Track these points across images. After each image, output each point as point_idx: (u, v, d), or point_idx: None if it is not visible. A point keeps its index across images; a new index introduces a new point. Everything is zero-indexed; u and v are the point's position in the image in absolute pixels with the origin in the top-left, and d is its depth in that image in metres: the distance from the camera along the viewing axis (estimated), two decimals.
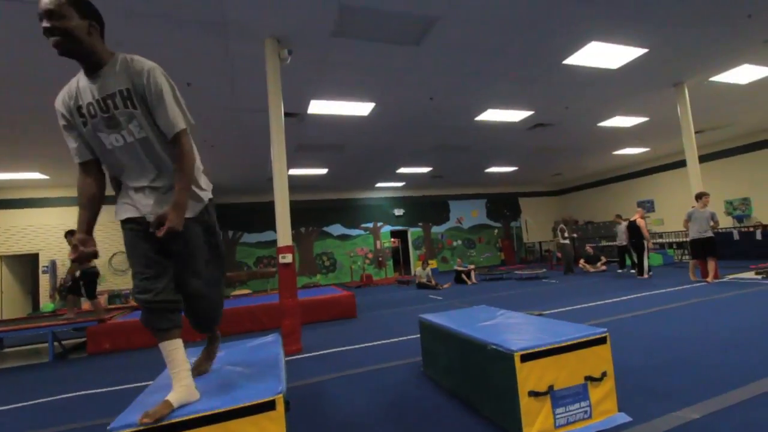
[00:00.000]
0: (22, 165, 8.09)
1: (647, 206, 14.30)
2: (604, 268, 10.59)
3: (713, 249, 6.65)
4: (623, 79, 6.39)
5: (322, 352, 4.15)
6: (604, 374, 2.10)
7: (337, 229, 14.45)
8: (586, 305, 5.68)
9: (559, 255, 12.85)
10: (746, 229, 10.27)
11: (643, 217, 8.52)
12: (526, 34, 4.79)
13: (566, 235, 10.73)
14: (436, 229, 16.07)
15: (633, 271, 9.31)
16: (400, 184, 14.31)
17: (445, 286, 10.09)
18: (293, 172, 10.52)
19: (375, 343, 4.43)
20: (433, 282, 10.27)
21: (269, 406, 1.50)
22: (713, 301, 5.11)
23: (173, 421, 1.39)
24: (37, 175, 8.74)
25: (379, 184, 14.02)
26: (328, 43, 4.52)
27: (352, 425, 2.34)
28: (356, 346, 4.33)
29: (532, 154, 11.41)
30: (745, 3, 4.53)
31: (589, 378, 2.05)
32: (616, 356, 3.15)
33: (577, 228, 15.97)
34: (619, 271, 9.80)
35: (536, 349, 1.95)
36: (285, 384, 1.63)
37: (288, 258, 3.90)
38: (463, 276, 10.64)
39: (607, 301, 5.83)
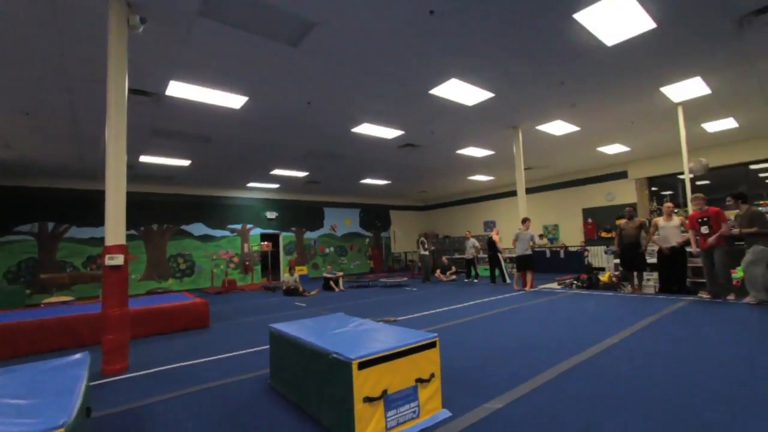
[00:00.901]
0: None
1: (491, 226, 16.85)
2: (453, 277, 12.01)
3: (531, 264, 8.21)
4: (476, 115, 7.44)
5: (156, 370, 3.62)
6: (432, 375, 2.34)
7: (198, 229, 13.02)
8: (434, 311, 6.32)
9: (420, 265, 14.10)
10: (555, 249, 13.00)
11: (497, 234, 10.08)
12: (399, 60, 5.16)
13: (426, 247, 11.85)
14: (309, 235, 15.90)
15: (476, 280, 10.84)
16: (274, 186, 13.75)
17: (313, 292, 10.02)
18: (147, 159, 9.10)
19: (224, 355, 4.09)
20: (301, 289, 10.09)
21: None
22: (527, 307, 6.27)
23: None
24: None
25: (251, 184, 13.21)
26: (193, 21, 4.07)
27: None
28: (200, 360, 3.91)
29: (402, 171, 12.31)
30: (558, 72, 5.78)
31: (419, 380, 2.26)
32: (447, 357, 3.58)
33: (436, 241, 17.79)
34: (466, 280, 11.25)
35: (373, 356, 2.06)
36: (74, 414, 1.34)
37: (117, 260, 3.28)
38: (331, 283, 10.74)
39: (450, 307, 6.60)
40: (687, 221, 6.47)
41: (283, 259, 15.04)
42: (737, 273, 6.31)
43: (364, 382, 2.01)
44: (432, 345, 2.36)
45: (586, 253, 11.68)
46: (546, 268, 12.50)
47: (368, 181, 13.65)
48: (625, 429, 2.09)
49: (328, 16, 4.13)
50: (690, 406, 2.33)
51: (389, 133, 8.22)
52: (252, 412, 2.55)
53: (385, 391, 2.09)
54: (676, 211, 7.00)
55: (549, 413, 2.32)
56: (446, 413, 2.35)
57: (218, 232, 13.42)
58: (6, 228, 9.89)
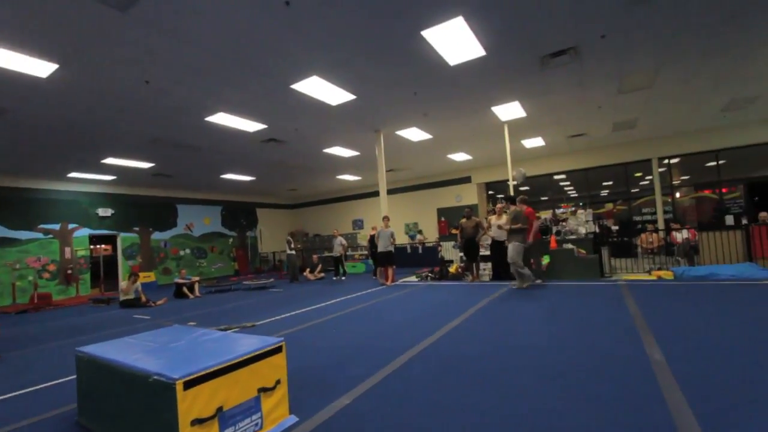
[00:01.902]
0: None
1: (359, 224, 17.51)
2: (322, 275, 12.05)
3: (391, 260, 8.80)
4: (340, 116, 7.58)
5: None
6: (278, 382, 2.27)
7: None
8: (297, 312, 6.22)
9: (288, 267, 13.71)
10: (414, 245, 14.25)
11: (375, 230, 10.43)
12: (257, 49, 4.88)
13: (292, 246, 11.59)
14: (159, 236, 13.84)
15: (344, 278, 11.09)
16: (108, 178, 11.48)
17: (159, 302, 8.75)
18: None
19: (16, 393, 3.20)
20: (144, 298, 8.69)
21: None
22: (387, 300, 6.70)
23: None
24: None
25: (74, 174, 10.74)
26: None
27: None
28: None
29: (268, 167, 11.74)
30: (412, 82, 6.33)
31: (262, 389, 2.16)
32: (304, 358, 3.54)
33: (306, 240, 17.59)
34: (334, 278, 11.40)
35: (204, 372, 1.88)
36: None
37: None
38: (185, 289, 9.57)
39: (315, 306, 6.59)
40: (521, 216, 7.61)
41: (123, 265, 12.73)
42: (544, 260, 7.95)
43: (193, 403, 1.81)
44: (278, 350, 2.28)
45: (439, 248, 13.12)
46: (408, 262, 13.58)
47: (230, 176, 12.60)
48: (463, 401, 2.40)
49: None
50: (511, 372, 2.82)
51: (250, 125, 7.72)
52: None
53: (219, 409, 1.93)
54: (506, 210, 8.41)
55: (394, 401, 2.50)
56: (293, 419, 2.31)
57: (24, 235, 10.54)
58: None
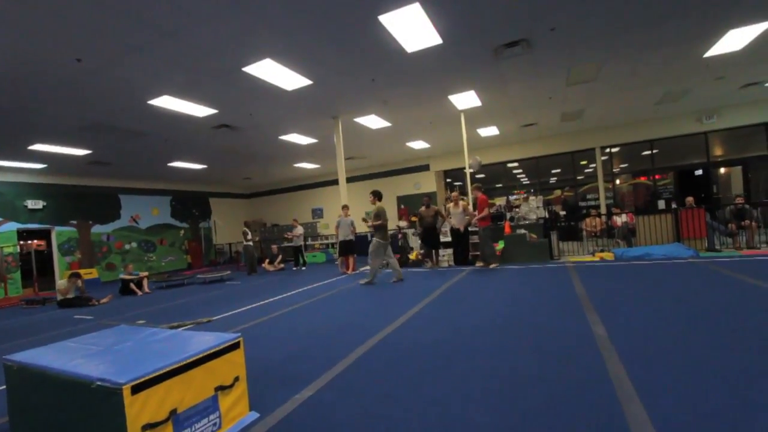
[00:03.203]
0: None
1: (318, 213, 17.25)
2: (282, 266, 11.80)
3: (352, 249, 8.78)
4: (296, 101, 7.34)
5: None
6: (236, 379, 2.19)
7: None
8: (256, 305, 6.05)
9: (246, 259, 13.28)
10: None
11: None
12: (201, 25, 4.53)
13: (249, 237, 11.22)
14: (99, 229, 12.84)
15: (304, 268, 10.94)
16: (37, 166, 10.41)
17: (104, 300, 8.16)
18: None
19: None
20: (86, 296, 8.07)
21: None
22: (348, 289, 6.69)
23: None
24: None
25: None
26: None
27: None
28: None
29: (220, 154, 11.19)
30: (370, 68, 6.23)
31: (219, 388, 2.08)
32: (264, 351, 3.47)
33: (264, 230, 17.08)
34: (294, 268, 11.21)
35: (153, 375, 1.77)
36: None
37: None
38: (132, 285, 9.00)
39: (274, 299, 6.45)
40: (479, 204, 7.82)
41: (60, 262, 11.71)
42: (499, 245, 8.29)
43: (143, 408, 1.71)
44: (235, 346, 2.20)
45: (400, 236, 13.27)
46: (365, 251, 13.61)
47: (179, 164, 11.88)
48: (421, 387, 2.45)
49: None
50: (465, 354, 2.92)
51: (199, 110, 7.28)
52: None
53: (173, 411, 1.83)
54: (463, 198, 8.63)
55: (357, 390, 2.51)
56: (254, 415, 2.25)
57: None
58: None
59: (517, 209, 9.92)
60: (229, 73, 5.87)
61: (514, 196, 12.58)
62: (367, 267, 7.07)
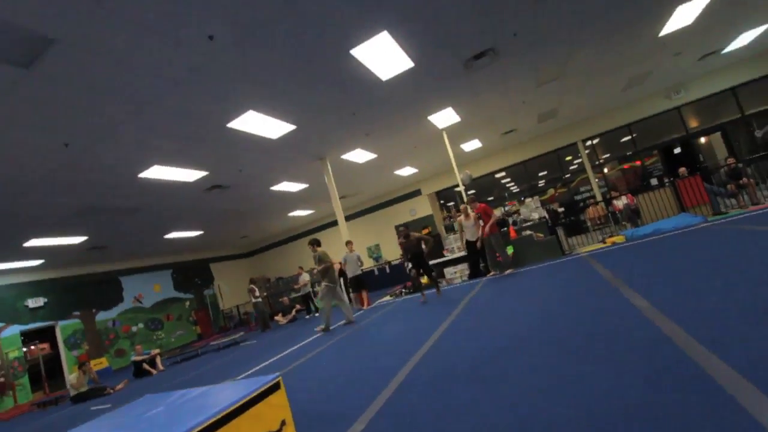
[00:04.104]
0: None
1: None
2: (294, 316, 11.50)
3: (363, 283, 8.63)
4: (282, 148, 7.47)
5: None
6: (283, 423, 2.05)
7: None
8: (275, 359, 5.82)
9: (255, 315, 12.98)
10: (381, 266, 14.17)
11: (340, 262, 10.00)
12: (182, 90, 4.69)
13: (257, 294, 11.01)
14: (104, 315, 12.52)
15: (317, 314, 10.66)
16: (34, 263, 10.29)
17: (119, 387, 7.82)
18: None
19: None
20: (99, 386, 7.73)
21: None
22: (368, 323, 6.50)
23: None
24: None
25: None
26: None
27: None
28: None
29: (215, 217, 11.21)
30: (349, 103, 6.43)
31: None
32: (295, 401, 3.29)
33: (269, 285, 16.83)
34: (307, 317, 10.93)
35: (197, 429, 1.65)
36: None
37: None
38: (145, 366, 8.66)
39: (292, 349, 6.22)
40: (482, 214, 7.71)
41: (68, 357, 11.29)
42: (509, 250, 8.20)
43: None
44: (276, 387, 2.08)
45: (406, 264, 13.14)
46: (377, 285, 13.43)
47: (175, 234, 11.84)
48: (472, 402, 2.31)
49: (73, 32, 3.39)
50: (514, 361, 2.79)
51: (189, 174, 7.36)
52: None
53: None
54: (473, 208, 8.52)
55: (407, 416, 2.36)
56: None
57: None
58: None
59: (516, 214, 9.94)
60: (215, 132, 6.00)
61: (507, 207, 12.64)
62: (384, 298, 6.91)
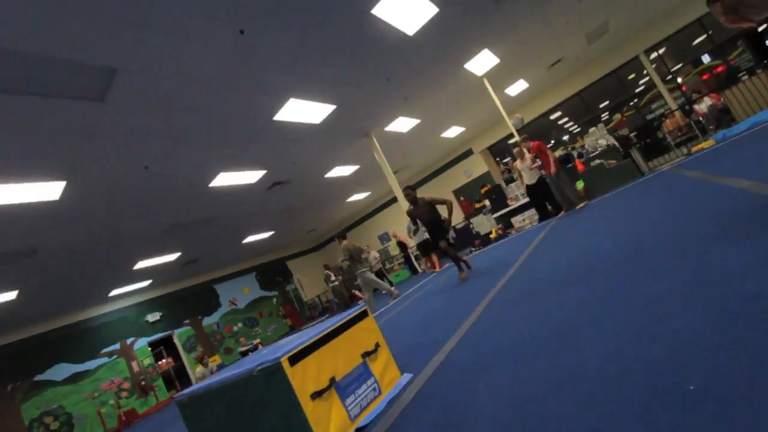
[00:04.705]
0: None
1: (386, 238, 17.44)
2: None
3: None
4: (327, 131, 7.66)
5: None
6: (377, 345, 2.18)
7: (61, 371, 10.29)
8: None
9: (336, 301, 13.69)
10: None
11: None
12: (227, 92, 5.00)
13: (333, 278, 11.57)
14: (208, 320, 14.04)
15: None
16: (145, 284, 11.82)
17: None
18: None
19: None
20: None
21: None
22: (443, 280, 6.54)
23: None
24: None
25: (115, 292, 11.09)
26: None
27: None
28: None
29: (281, 216, 11.90)
30: (382, 68, 6.37)
31: (365, 354, 2.08)
32: (388, 337, 3.45)
33: (342, 271, 17.56)
34: (384, 292, 11.25)
35: (301, 347, 1.82)
36: None
37: None
38: (251, 354, 9.60)
39: (377, 312, 6.49)
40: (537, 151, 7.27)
41: (188, 359, 12.91)
42: (579, 185, 7.67)
43: (304, 378, 1.75)
44: (364, 315, 2.21)
45: (471, 226, 12.90)
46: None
47: (251, 239, 12.82)
48: (561, 303, 2.26)
49: (127, 58, 3.78)
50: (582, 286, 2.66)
51: (251, 176, 7.88)
52: None
53: (332, 379, 1.85)
54: (528, 148, 8.10)
55: (491, 340, 2.38)
56: (408, 376, 2.21)
57: (91, 364, 10.83)
58: None
59: (581, 148, 9.24)
60: (264, 128, 6.33)
61: (576, 149, 11.71)
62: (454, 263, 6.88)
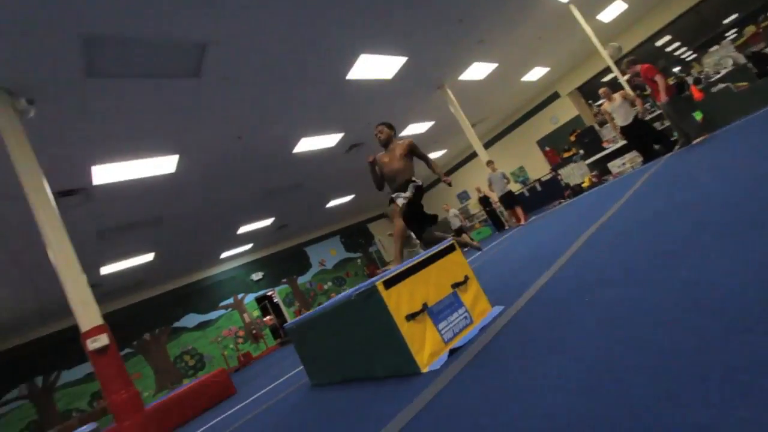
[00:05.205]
0: None
1: (464, 196, 17.03)
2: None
3: (515, 199, 8.25)
4: (400, 86, 7.50)
5: None
6: (466, 277, 2.19)
7: (192, 320, 12.33)
8: None
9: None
10: (531, 186, 13.23)
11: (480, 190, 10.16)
12: (301, 55, 5.12)
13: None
14: (302, 279, 15.44)
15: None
16: (248, 247, 13.32)
17: None
18: (108, 270, 8.58)
19: (262, 392, 3.75)
20: None
21: None
22: (530, 228, 6.24)
23: None
24: None
25: (225, 254, 12.72)
26: (83, 87, 3.88)
27: None
28: (239, 406, 3.56)
29: (360, 178, 12.21)
30: (452, 9, 5.94)
31: (455, 285, 2.10)
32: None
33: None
34: (465, 250, 11.17)
35: (395, 274, 1.90)
36: None
37: (101, 341, 2.95)
38: None
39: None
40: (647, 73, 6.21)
41: (288, 313, 14.49)
42: (697, 115, 6.51)
43: (398, 301, 1.84)
44: (451, 248, 2.22)
45: (559, 177, 11.92)
46: (532, 206, 12.59)
47: (334, 203, 13.50)
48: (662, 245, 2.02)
49: (214, 32, 4.04)
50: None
51: (330, 140, 8.17)
52: (302, 407, 2.30)
53: (425, 305, 1.92)
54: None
55: (590, 274, 2.23)
56: (499, 308, 2.19)
57: (213, 314, 12.77)
58: None
59: (699, 73, 7.76)
60: (338, 89, 6.42)
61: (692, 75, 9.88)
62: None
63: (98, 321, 3.08)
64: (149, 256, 9.18)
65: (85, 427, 1.94)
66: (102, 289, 9.46)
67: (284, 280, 14.96)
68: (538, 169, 13.97)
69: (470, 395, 1.34)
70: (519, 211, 8.22)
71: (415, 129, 10.36)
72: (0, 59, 3.21)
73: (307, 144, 7.78)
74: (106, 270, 8.52)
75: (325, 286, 15.88)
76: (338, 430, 1.68)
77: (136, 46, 3.72)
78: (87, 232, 6.52)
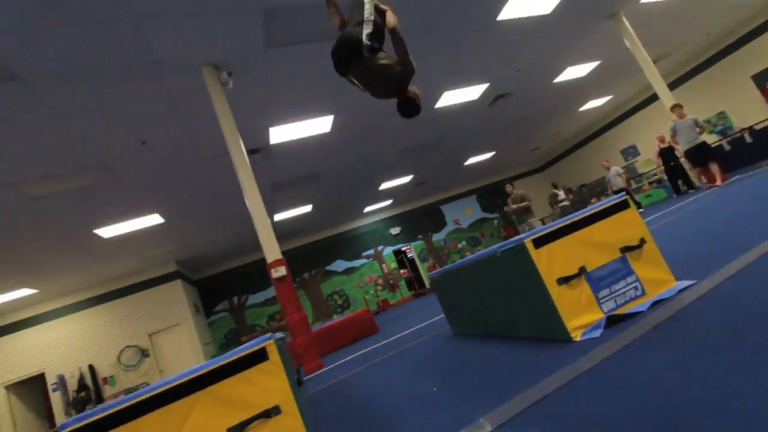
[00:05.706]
0: (10, 283, 7.81)
1: (631, 152, 14.29)
2: None
3: (711, 153, 6.46)
4: (560, 22, 6.44)
5: (349, 358, 3.77)
6: (642, 241, 1.82)
7: (340, 265, 14.12)
8: None
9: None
10: (735, 136, 10.17)
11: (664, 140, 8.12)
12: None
13: (562, 196, 10.55)
14: (436, 237, 15.79)
15: (641, 210, 9.07)
16: (388, 203, 14.19)
17: None
18: (279, 217, 10.36)
19: (406, 331, 4.09)
20: None
21: None
22: (730, 192, 4.86)
23: None
24: (25, 291, 8.42)
25: (367, 209, 13.88)
26: (264, 58, 4.50)
27: (383, 395, 2.01)
28: (383, 342, 3.96)
29: (503, 133, 11.41)
30: None
31: (626, 249, 1.78)
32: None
33: (572, 193, 15.80)
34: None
35: (549, 230, 1.69)
36: None
37: (281, 271, 3.64)
38: None
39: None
40: None
41: (423, 268, 15.17)
42: None
43: (550, 262, 1.65)
44: (624, 205, 1.86)
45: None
46: (732, 164, 9.75)
47: (472, 160, 13.05)
48: None
49: None
50: None
51: (473, 92, 7.73)
52: (443, 352, 2.38)
53: (582, 268, 1.68)
54: None
55: None
56: (686, 283, 1.78)
57: (357, 262, 14.32)
58: (210, 311, 12.31)
59: None
60: (486, 32, 5.91)
61: None
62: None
63: (278, 255, 3.78)
64: (308, 207, 10.67)
65: (277, 333, 2.42)
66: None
67: (420, 236, 15.55)
68: (749, 115, 10.56)
69: (636, 373, 1.13)
70: (714, 167, 6.39)
71: (574, 73, 8.93)
72: (205, 38, 3.94)
73: (449, 98, 7.56)
74: (278, 217, 10.28)
75: (459, 245, 15.91)
76: (486, 378, 1.67)
77: (304, 11, 4.07)
78: (264, 185, 7.88)
